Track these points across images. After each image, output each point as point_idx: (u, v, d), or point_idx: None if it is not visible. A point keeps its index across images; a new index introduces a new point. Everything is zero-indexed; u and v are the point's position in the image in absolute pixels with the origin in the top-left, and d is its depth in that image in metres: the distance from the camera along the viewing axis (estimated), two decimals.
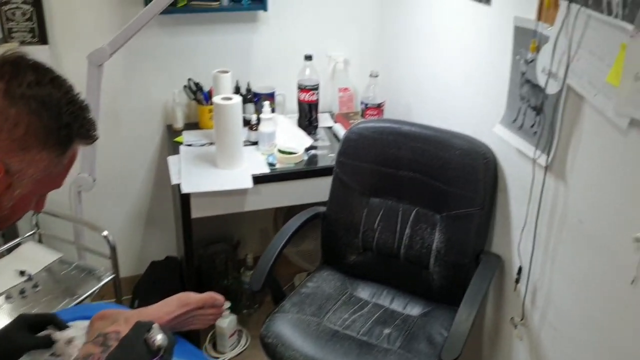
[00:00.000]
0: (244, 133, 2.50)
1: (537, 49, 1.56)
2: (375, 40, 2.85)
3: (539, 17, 1.55)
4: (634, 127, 1.27)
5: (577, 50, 1.40)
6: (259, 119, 2.42)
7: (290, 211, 2.69)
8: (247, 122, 2.50)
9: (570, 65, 1.43)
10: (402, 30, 2.56)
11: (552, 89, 1.52)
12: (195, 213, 2.28)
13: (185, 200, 2.23)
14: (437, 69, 2.24)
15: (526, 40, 1.61)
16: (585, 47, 1.38)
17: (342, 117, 2.71)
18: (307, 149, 2.45)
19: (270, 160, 2.37)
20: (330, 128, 2.69)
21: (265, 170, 2.31)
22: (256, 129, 2.44)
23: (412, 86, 2.50)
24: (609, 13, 1.28)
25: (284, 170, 2.33)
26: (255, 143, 2.46)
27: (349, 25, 2.80)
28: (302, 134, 2.53)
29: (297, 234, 2.07)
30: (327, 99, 2.89)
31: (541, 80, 1.56)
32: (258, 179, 2.27)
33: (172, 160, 2.40)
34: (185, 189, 2.19)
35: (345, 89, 2.83)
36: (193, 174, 2.27)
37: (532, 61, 1.60)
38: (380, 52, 2.84)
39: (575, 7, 1.39)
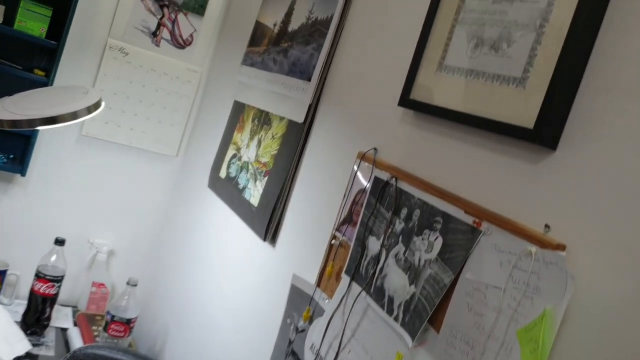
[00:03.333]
0: None
1: (311, 320, 1.33)
2: (151, 239, 2.51)
3: (319, 283, 1.35)
4: None
5: (350, 340, 1.18)
6: None
7: None
8: None
9: (340, 354, 1.20)
10: (182, 239, 2.27)
11: None
12: None
13: None
14: (205, 297, 1.93)
15: (301, 305, 1.39)
16: (359, 339, 1.17)
17: (86, 320, 2.21)
18: (20, 358, 1.88)
19: None
20: (65, 331, 2.16)
21: None
22: None
23: (174, 305, 2.14)
24: (389, 312, 1.09)
25: None
26: None
27: (126, 214, 2.44)
28: (20, 335, 1.96)
29: None
30: (76, 292, 2.39)
31: (307, 358, 1.31)
32: None
33: None
34: None
35: (101, 285, 2.37)
36: None
37: (302, 331, 1.35)
38: (153, 255, 2.49)
39: (356, 287, 1.21)
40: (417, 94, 1.15)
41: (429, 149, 1.13)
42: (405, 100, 1.18)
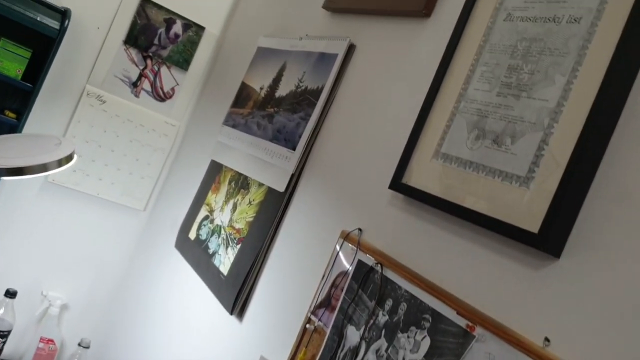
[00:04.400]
0: None
1: None
2: (109, 297, 2.37)
3: None
4: None
5: None
6: None
7: None
8: None
9: None
10: (142, 301, 2.14)
11: None
12: None
13: None
14: None
15: None
16: None
17: None
18: None
19: None
20: None
21: None
22: None
23: None
24: None
25: None
26: None
27: (85, 267, 2.31)
28: None
29: None
30: (22, 346, 2.22)
31: None
32: None
33: None
34: None
35: (50, 341, 2.21)
36: None
37: None
38: (109, 314, 2.35)
39: None
40: (409, 179, 1.11)
41: (420, 238, 1.07)
42: (397, 184, 1.13)
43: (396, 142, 1.20)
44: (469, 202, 0.96)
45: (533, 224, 0.84)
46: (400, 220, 1.13)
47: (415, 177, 1.09)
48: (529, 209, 0.86)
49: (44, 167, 1.31)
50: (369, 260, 1.15)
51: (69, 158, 1.36)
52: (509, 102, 0.95)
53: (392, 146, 1.21)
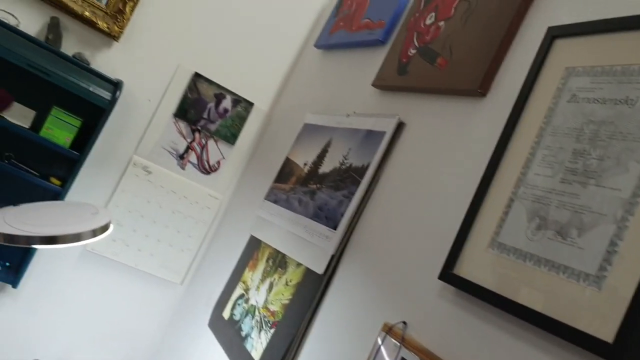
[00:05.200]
0: None
1: None
2: None
3: None
4: None
5: None
6: None
7: None
8: None
9: None
10: None
11: None
12: None
13: None
14: None
15: None
16: None
17: None
18: None
19: None
20: None
21: None
22: None
23: None
24: None
25: None
26: None
27: (115, 341, 2.23)
28: None
29: None
30: None
31: None
32: None
33: None
34: None
35: None
36: None
37: None
38: None
39: None
40: (461, 270, 1.00)
41: (472, 337, 0.95)
42: (447, 274, 1.03)
43: (447, 228, 1.11)
44: (528, 300, 0.85)
45: (606, 332, 0.72)
46: (449, 315, 1.02)
47: (468, 268, 0.99)
48: (600, 314, 0.74)
49: (77, 237, 1.27)
50: (414, 358, 1.03)
51: (104, 228, 1.32)
52: (574, 190, 0.85)
53: (443, 232, 1.12)
